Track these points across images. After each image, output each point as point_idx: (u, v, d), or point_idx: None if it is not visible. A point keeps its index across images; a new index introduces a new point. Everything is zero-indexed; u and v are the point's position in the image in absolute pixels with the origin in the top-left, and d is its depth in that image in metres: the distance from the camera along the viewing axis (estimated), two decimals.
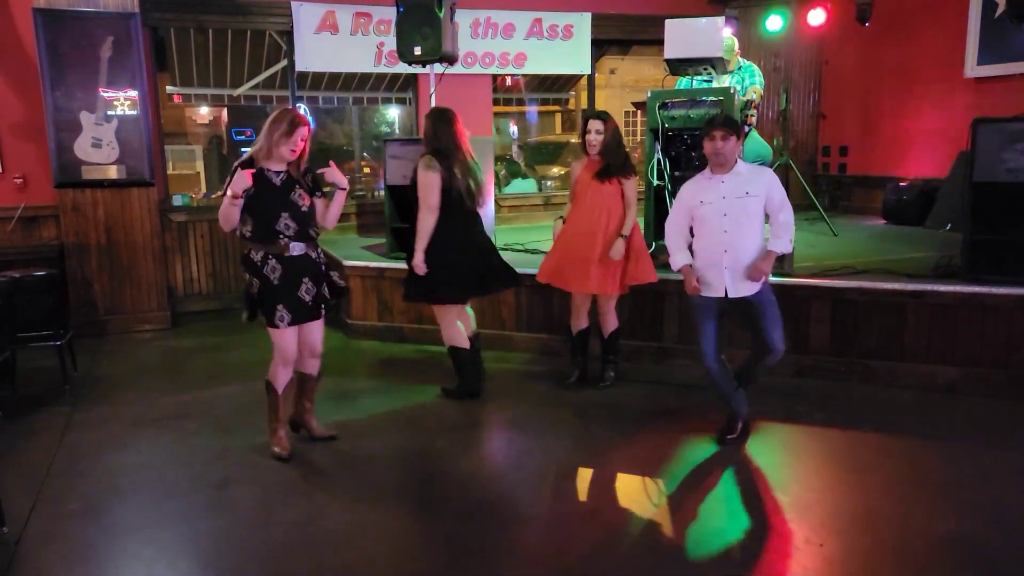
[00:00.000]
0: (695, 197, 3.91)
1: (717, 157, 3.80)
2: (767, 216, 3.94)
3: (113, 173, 6.61)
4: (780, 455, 4.00)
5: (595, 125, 4.59)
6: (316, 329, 3.97)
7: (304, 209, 3.76)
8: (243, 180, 3.54)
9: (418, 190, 4.48)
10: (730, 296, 3.87)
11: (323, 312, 3.92)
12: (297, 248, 3.74)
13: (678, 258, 4.02)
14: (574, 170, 4.82)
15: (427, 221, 4.47)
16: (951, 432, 4.20)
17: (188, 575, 2.97)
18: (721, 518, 3.29)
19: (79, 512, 3.44)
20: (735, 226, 3.82)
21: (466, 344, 4.74)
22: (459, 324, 4.72)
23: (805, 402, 4.66)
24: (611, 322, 4.89)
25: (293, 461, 3.96)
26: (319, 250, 3.90)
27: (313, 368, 4.09)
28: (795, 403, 4.64)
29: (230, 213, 3.62)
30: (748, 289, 3.85)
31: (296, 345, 3.88)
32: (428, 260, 4.50)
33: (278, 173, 3.74)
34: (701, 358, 4.01)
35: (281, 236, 3.69)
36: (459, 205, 4.51)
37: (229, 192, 3.56)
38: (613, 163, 4.60)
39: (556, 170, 11.71)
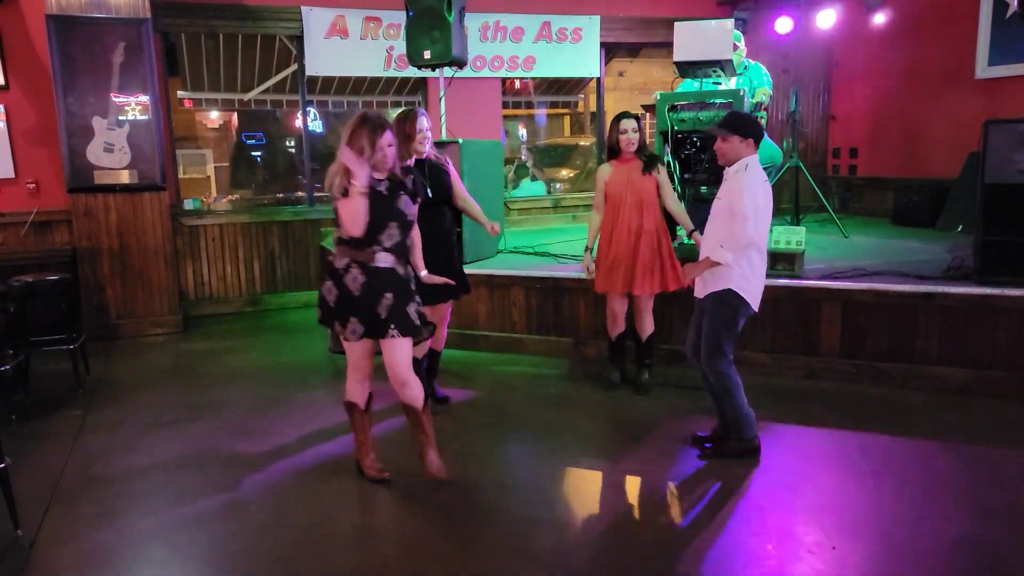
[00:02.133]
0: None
1: (718, 156, 3.78)
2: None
3: (125, 177, 6.66)
4: (792, 457, 3.99)
5: (631, 124, 4.68)
6: (395, 352, 3.45)
7: (410, 219, 3.47)
8: (363, 169, 3.24)
9: None
10: (696, 295, 3.93)
11: (398, 333, 3.41)
12: (385, 260, 3.39)
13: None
14: (603, 174, 4.81)
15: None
16: (963, 434, 4.17)
17: None
18: (733, 520, 3.29)
19: (92, 515, 3.46)
20: (710, 228, 3.83)
21: (437, 347, 4.74)
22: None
23: (816, 404, 4.64)
24: (648, 325, 4.91)
25: (303, 463, 3.97)
26: (408, 268, 3.54)
27: (408, 397, 3.55)
28: (806, 405, 4.63)
29: (360, 209, 3.25)
30: (704, 289, 3.84)
31: (368, 361, 3.57)
32: None
33: (380, 181, 3.39)
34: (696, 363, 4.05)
35: (378, 247, 3.37)
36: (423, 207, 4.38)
37: (357, 184, 3.23)
38: (651, 156, 4.71)
39: (565, 172, 11.72)
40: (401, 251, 3.46)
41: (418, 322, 3.48)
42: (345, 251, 3.39)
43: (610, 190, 4.75)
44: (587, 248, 4.92)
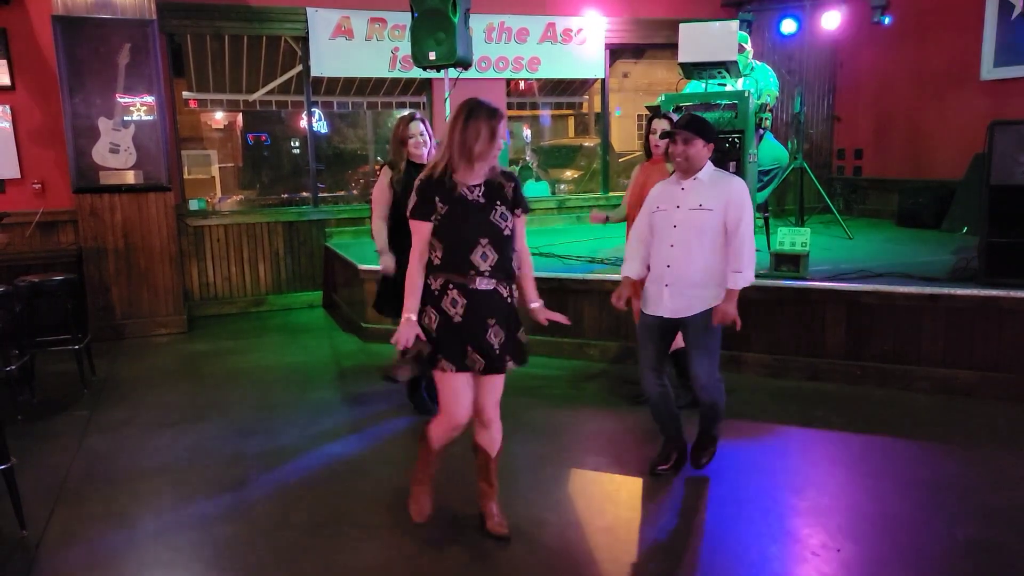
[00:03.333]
0: (654, 201, 3.56)
1: (676, 161, 3.43)
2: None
3: (130, 178, 6.68)
4: (797, 459, 3.98)
5: (662, 124, 4.40)
6: (494, 386, 3.07)
7: (507, 233, 2.92)
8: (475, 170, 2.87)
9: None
10: (666, 317, 3.48)
11: (514, 364, 3.02)
12: (486, 284, 2.90)
13: (625, 266, 3.67)
14: (638, 178, 4.54)
15: (377, 229, 4.41)
16: (968, 436, 4.16)
17: None
18: (738, 523, 3.28)
19: (98, 515, 3.47)
20: (682, 241, 3.41)
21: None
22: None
23: (821, 406, 4.63)
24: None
25: (309, 464, 3.98)
26: (512, 288, 3.04)
27: (488, 440, 3.17)
28: (811, 407, 4.62)
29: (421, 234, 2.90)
30: (688, 309, 3.45)
31: (469, 399, 3.04)
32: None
33: (473, 187, 2.90)
34: (643, 381, 3.62)
35: (471, 271, 2.88)
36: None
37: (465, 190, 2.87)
38: None
39: (569, 174, 11.72)
40: (504, 272, 2.95)
41: (520, 356, 3.04)
42: (439, 273, 2.92)
43: (644, 193, 4.34)
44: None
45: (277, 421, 4.61)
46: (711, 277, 3.41)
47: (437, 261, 2.91)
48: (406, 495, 3.53)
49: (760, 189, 6.42)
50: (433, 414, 4.01)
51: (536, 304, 3.10)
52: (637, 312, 3.74)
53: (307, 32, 7.76)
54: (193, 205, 7.81)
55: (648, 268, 3.61)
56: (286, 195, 11.44)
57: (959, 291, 4.72)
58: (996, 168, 4.78)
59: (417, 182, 2.90)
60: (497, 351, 2.95)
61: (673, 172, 3.56)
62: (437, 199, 2.86)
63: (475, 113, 2.83)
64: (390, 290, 4.47)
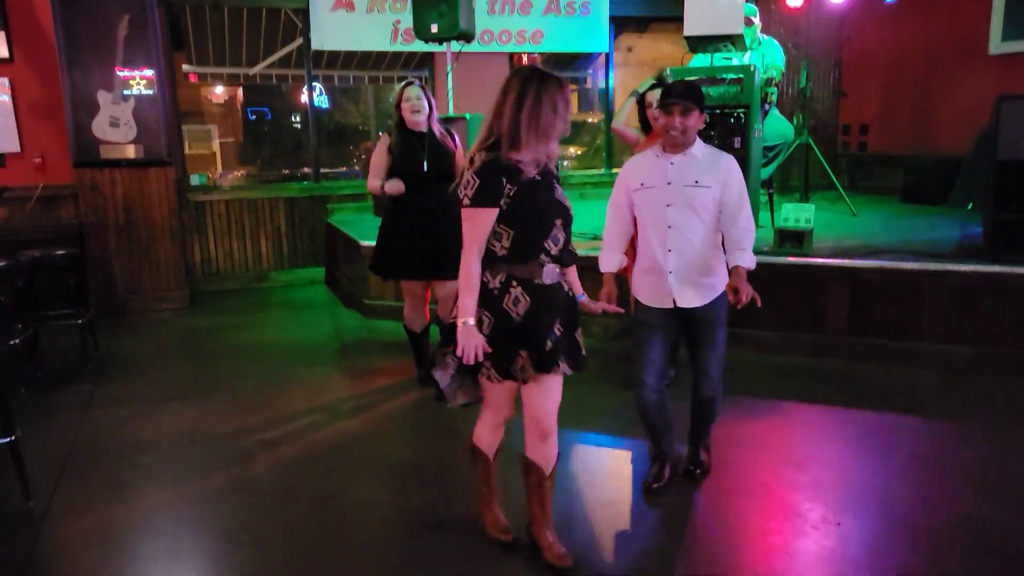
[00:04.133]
0: (636, 177, 3.15)
1: (672, 135, 3.03)
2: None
3: (131, 152, 6.64)
4: (798, 434, 3.99)
5: (655, 95, 4.21)
6: (549, 393, 2.67)
7: (571, 214, 2.67)
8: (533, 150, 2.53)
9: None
10: (679, 306, 3.12)
11: (568, 368, 2.63)
12: (551, 275, 2.59)
13: (606, 260, 3.28)
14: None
15: (372, 185, 4.49)
16: (969, 412, 4.17)
17: (211, 550, 3.01)
18: (738, 497, 3.30)
19: (103, 487, 3.49)
20: (680, 222, 3.05)
21: (415, 328, 4.71)
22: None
23: (823, 382, 4.64)
24: None
25: (312, 438, 3.99)
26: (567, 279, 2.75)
27: (542, 455, 2.75)
28: (813, 383, 4.63)
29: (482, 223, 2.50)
30: (701, 298, 3.12)
31: (512, 403, 2.78)
32: (385, 234, 4.51)
33: (528, 167, 2.55)
34: (638, 387, 3.22)
35: (542, 256, 2.57)
36: (412, 179, 4.36)
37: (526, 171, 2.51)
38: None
39: (573, 150, 11.65)
40: (568, 257, 2.69)
41: (580, 363, 2.69)
42: (500, 267, 2.56)
43: None
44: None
45: (279, 396, 4.62)
46: (713, 260, 3.13)
47: (503, 251, 2.53)
48: (408, 469, 3.54)
49: (765, 165, 6.37)
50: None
51: (584, 296, 2.82)
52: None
53: (307, 4, 7.68)
54: (194, 180, 7.78)
55: (625, 255, 3.30)
56: (287, 171, 11.39)
57: (963, 267, 4.70)
58: (1003, 143, 4.74)
59: (479, 166, 2.49)
60: (549, 349, 2.58)
61: (646, 145, 3.30)
62: (505, 181, 2.48)
63: (547, 84, 2.49)
64: (388, 249, 4.48)
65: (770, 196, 6.56)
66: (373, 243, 6.21)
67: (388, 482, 3.53)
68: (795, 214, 5.26)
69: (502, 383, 2.63)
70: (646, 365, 3.18)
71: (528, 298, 2.55)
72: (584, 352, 2.72)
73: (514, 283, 2.55)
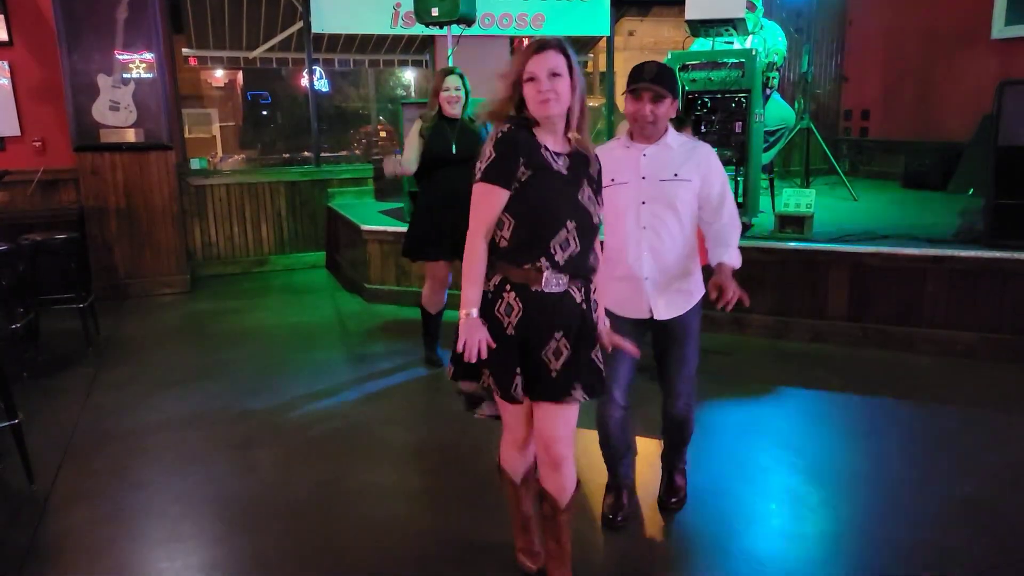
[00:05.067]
0: (604, 172, 2.52)
1: (642, 124, 2.67)
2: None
3: (131, 136, 6.63)
4: (797, 419, 4.01)
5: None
6: (561, 419, 2.32)
7: (596, 221, 2.30)
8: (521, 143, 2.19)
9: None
10: (657, 318, 2.78)
11: (583, 395, 2.29)
12: (557, 283, 2.22)
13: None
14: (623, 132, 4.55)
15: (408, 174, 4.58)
16: (968, 397, 4.18)
17: (213, 533, 3.04)
18: (737, 481, 3.32)
19: (106, 470, 3.52)
20: (656, 221, 2.70)
21: (432, 310, 4.78)
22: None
23: (822, 367, 4.65)
24: None
25: (313, 422, 4.01)
26: (591, 292, 2.35)
27: (556, 485, 2.40)
28: (812, 367, 4.64)
29: (492, 201, 2.18)
30: (677, 307, 2.79)
31: (529, 424, 2.42)
32: (416, 215, 4.61)
33: (558, 156, 2.24)
34: (601, 402, 2.86)
35: (543, 260, 2.20)
36: (441, 162, 4.48)
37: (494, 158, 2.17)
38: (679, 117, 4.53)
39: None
40: (581, 269, 2.27)
41: (604, 372, 2.39)
42: (497, 265, 2.25)
43: None
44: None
45: (281, 380, 4.64)
46: (691, 264, 2.80)
47: (504, 243, 2.22)
48: (409, 453, 3.56)
49: (766, 150, 6.36)
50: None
51: (603, 326, 2.45)
52: None
53: None
54: (194, 164, 7.76)
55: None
56: (288, 155, 11.38)
57: (963, 253, 4.71)
58: (1004, 129, 4.72)
59: (499, 136, 2.18)
60: (554, 374, 2.24)
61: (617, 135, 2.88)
62: (522, 160, 2.17)
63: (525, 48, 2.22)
64: (416, 232, 4.55)
65: (771, 181, 6.56)
66: (375, 227, 6.23)
67: (390, 466, 3.55)
68: (796, 199, 5.25)
69: (510, 405, 2.34)
70: (614, 379, 2.78)
71: (521, 305, 2.21)
72: (604, 375, 2.37)
73: (508, 287, 2.23)
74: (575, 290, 2.27)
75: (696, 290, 2.83)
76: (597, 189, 2.32)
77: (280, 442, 3.78)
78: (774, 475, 3.37)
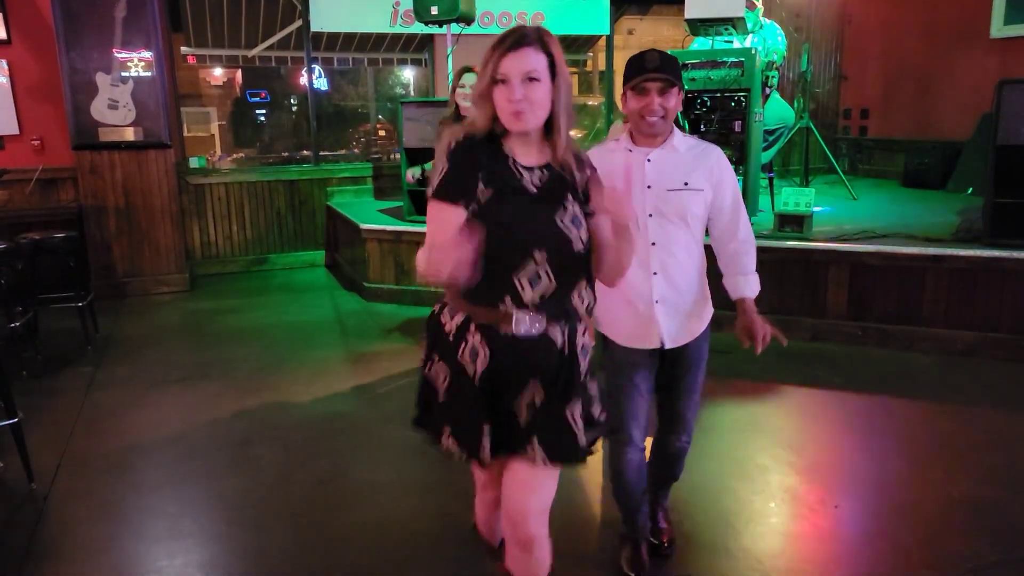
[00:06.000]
0: (604, 179, 2.13)
1: (648, 122, 2.32)
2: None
3: (130, 135, 6.62)
4: (796, 418, 4.02)
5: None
6: (528, 484, 1.93)
7: (577, 248, 1.85)
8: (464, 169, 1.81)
9: None
10: (667, 347, 2.45)
11: (544, 457, 1.87)
12: (530, 325, 1.83)
13: None
14: (615, 133, 4.55)
15: None
16: (968, 396, 4.19)
17: (212, 531, 3.04)
18: (737, 479, 3.32)
19: (105, 469, 3.51)
20: (666, 236, 2.37)
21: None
22: None
23: (822, 366, 4.65)
24: None
25: (312, 420, 4.01)
26: (578, 330, 1.92)
27: (524, 568, 2.00)
28: (812, 366, 4.64)
29: (451, 247, 1.70)
30: (690, 333, 2.46)
31: (498, 483, 2.02)
32: None
33: (531, 169, 1.86)
34: (617, 444, 2.52)
35: (508, 299, 1.82)
36: None
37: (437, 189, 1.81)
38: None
39: (573, 133, 11.62)
40: (562, 311, 1.86)
41: (584, 440, 1.94)
42: (460, 301, 1.88)
43: None
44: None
45: (280, 378, 4.64)
46: (702, 284, 2.49)
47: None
48: (408, 451, 3.55)
49: (765, 149, 6.37)
50: None
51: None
52: None
53: None
54: (193, 163, 7.76)
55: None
56: (286, 153, 11.36)
57: (963, 252, 4.71)
58: (1003, 128, 4.72)
59: (451, 143, 1.84)
60: (523, 424, 1.88)
61: (615, 135, 2.58)
62: (481, 176, 1.80)
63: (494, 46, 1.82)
64: None
65: (770, 180, 6.56)
66: (374, 226, 6.23)
67: (389, 464, 3.55)
68: (795, 198, 5.26)
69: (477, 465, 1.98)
70: (629, 418, 2.47)
71: (488, 350, 1.84)
72: (581, 439, 1.91)
73: (472, 328, 1.85)
74: (556, 333, 1.86)
75: (708, 312, 2.51)
76: (582, 199, 1.88)
77: (279, 440, 3.78)
78: (773, 474, 3.37)
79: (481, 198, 1.80)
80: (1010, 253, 4.59)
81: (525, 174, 1.85)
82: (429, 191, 1.84)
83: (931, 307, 4.81)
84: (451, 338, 1.89)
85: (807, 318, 5.10)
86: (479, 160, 1.82)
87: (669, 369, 2.53)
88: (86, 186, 6.60)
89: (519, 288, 1.81)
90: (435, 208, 1.82)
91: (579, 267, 1.88)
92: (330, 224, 7.91)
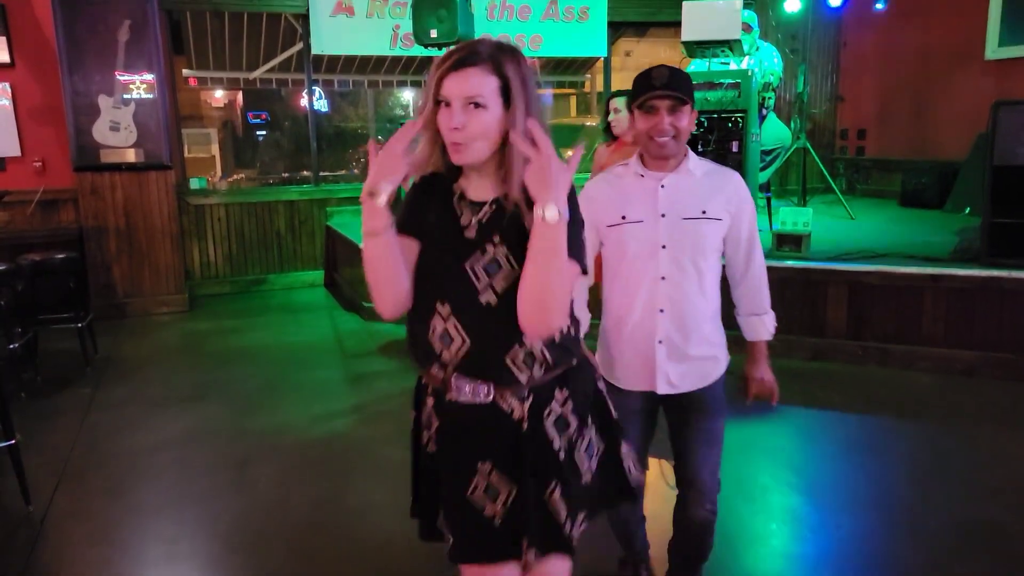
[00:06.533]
0: (612, 207, 2.18)
1: (658, 143, 2.11)
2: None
3: (131, 156, 6.66)
4: (797, 438, 4.01)
5: (617, 104, 4.35)
6: None
7: (489, 299, 1.56)
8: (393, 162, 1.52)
9: None
10: (663, 392, 2.21)
11: (527, 554, 1.60)
12: (472, 393, 1.59)
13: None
14: (600, 156, 4.56)
15: None
16: (969, 416, 4.18)
17: (210, 553, 3.02)
18: (737, 500, 3.30)
19: (102, 491, 3.50)
20: (678, 269, 2.15)
21: None
22: None
23: (822, 385, 4.65)
24: None
25: (311, 442, 4.00)
26: (553, 398, 1.63)
27: None
28: (812, 386, 4.64)
29: (376, 263, 1.56)
30: (701, 377, 2.22)
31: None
32: None
33: (477, 205, 1.60)
34: None
35: (437, 365, 1.61)
36: None
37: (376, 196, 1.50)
38: None
39: (571, 153, 11.69)
40: (494, 370, 1.57)
41: (575, 526, 1.65)
42: (416, 364, 1.72)
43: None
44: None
45: (279, 399, 4.63)
46: (716, 325, 2.26)
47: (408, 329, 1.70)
48: (406, 472, 3.53)
49: (762, 169, 6.41)
50: None
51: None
52: None
53: (307, 9, 7.69)
54: (194, 184, 7.79)
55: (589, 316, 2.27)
56: (287, 174, 11.42)
57: (961, 271, 4.72)
58: (999, 148, 4.76)
59: (418, 179, 1.66)
60: (498, 523, 1.59)
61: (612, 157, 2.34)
62: (432, 215, 1.61)
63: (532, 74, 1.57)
64: None
65: (768, 200, 6.59)
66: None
67: (388, 485, 3.53)
68: (793, 217, 5.28)
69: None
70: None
71: (439, 420, 1.64)
72: (570, 530, 1.63)
73: (429, 390, 1.68)
74: (511, 402, 1.58)
75: (723, 353, 2.28)
76: (516, 243, 1.54)
77: (278, 461, 3.77)
78: (774, 494, 3.36)
79: (423, 240, 1.62)
80: (1008, 273, 4.61)
81: (467, 212, 1.59)
82: (396, 223, 1.61)
83: (930, 326, 4.82)
84: (415, 392, 1.74)
85: (807, 337, 5.10)
86: (433, 195, 1.62)
87: (677, 418, 2.29)
88: (87, 207, 6.63)
89: (437, 352, 1.58)
90: (402, 243, 1.62)
91: (498, 322, 1.54)
92: (329, 244, 7.93)
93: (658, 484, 3.32)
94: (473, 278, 1.54)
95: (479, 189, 1.60)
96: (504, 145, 1.54)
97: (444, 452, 1.64)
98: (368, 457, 3.82)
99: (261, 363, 5.38)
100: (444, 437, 1.64)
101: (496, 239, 1.55)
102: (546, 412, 1.61)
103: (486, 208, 1.58)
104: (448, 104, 1.51)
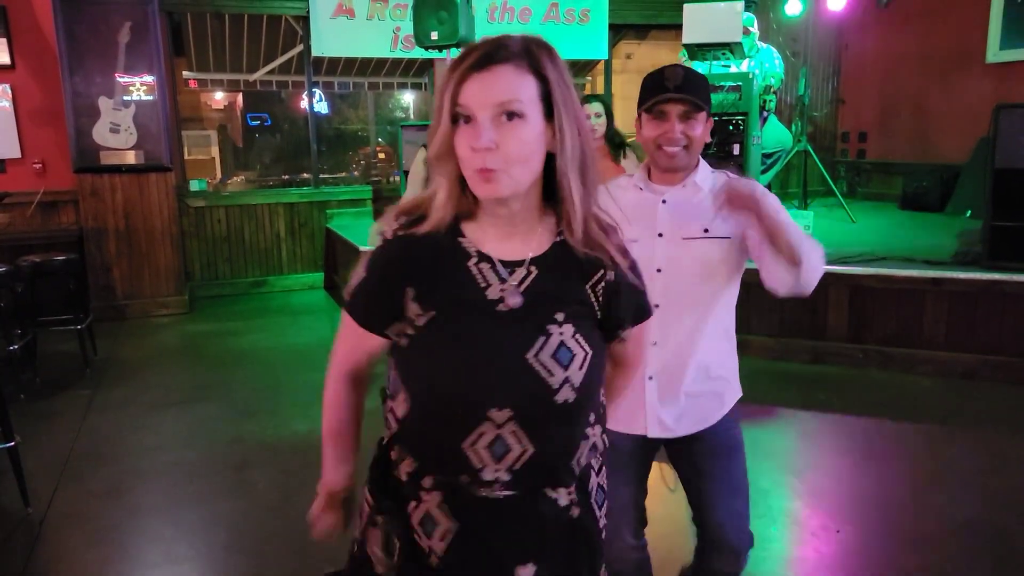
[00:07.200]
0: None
1: (667, 154, 1.85)
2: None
3: (131, 158, 6.66)
4: (797, 441, 4.00)
5: (595, 108, 4.17)
6: None
7: (568, 397, 1.18)
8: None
9: None
10: (655, 436, 1.98)
11: None
12: (504, 487, 1.21)
13: None
14: None
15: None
16: (969, 419, 4.17)
17: (209, 555, 3.01)
18: None
19: (101, 493, 3.49)
20: (676, 296, 1.88)
21: None
22: None
23: (822, 389, 4.64)
24: None
25: (311, 444, 3.98)
26: (592, 473, 1.32)
27: None
28: (812, 389, 4.63)
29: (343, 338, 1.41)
30: (698, 420, 1.99)
31: None
32: None
33: (511, 266, 1.20)
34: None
35: (467, 476, 1.21)
36: None
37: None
38: (620, 141, 4.19)
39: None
40: (551, 475, 1.24)
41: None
42: (413, 459, 1.35)
43: None
44: None
45: (278, 401, 4.62)
46: (721, 360, 2.00)
47: (395, 425, 1.39)
48: None
49: (763, 172, 6.41)
50: None
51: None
52: None
53: (308, 11, 7.69)
54: (194, 186, 7.79)
55: None
56: (287, 176, 11.42)
57: (962, 275, 4.72)
58: (1000, 151, 4.75)
59: (381, 241, 1.26)
60: None
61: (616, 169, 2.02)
62: (411, 291, 1.22)
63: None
64: None
65: None
66: (372, 248, 6.18)
67: None
68: (793, 220, 5.28)
69: None
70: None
71: (453, 521, 1.23)
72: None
73: (429, 484, 1.26)
74: (550, 497, 1.24)
75: (730, 391, 2.04)
76: (609, 313, 1.25)
77: (277, 463, 3.76)
78: (774, 498, 3.35)
79: (418, 321, 1.20)
80: (1009, 276, 4.60)
81: (493, 279, 1.19)
82: (345, 303, 1.32)
83: (931, 329, 4.81)
84: (404, 491, 1.31)
85: (807, 340, 5.10)
86: (407, 266, 1.21)
87: (687, 468, 2.04)
88: (87, 209, 6.63)
89: (473, 463, 1.18)
90: (344, 319, 1.34)
91: (572, 423, 1.22)
92: (329, 246, 7.92)
93: (658, 486, 3.31)
94: (544, 374, 1.16)
95: (504, 244, 1.19)
96: (550, 175, 1.14)
97: (464, 562, 1.23)
98: (367, 459, 3.80)
99: (261, 365, 5.37)
100: (466, 541, 1.22)
101: (559, 317, 1.19)
102: (590, 487, 1.31)
103: (522, 271, 1.19)
104: (470, 119, 1.12)
